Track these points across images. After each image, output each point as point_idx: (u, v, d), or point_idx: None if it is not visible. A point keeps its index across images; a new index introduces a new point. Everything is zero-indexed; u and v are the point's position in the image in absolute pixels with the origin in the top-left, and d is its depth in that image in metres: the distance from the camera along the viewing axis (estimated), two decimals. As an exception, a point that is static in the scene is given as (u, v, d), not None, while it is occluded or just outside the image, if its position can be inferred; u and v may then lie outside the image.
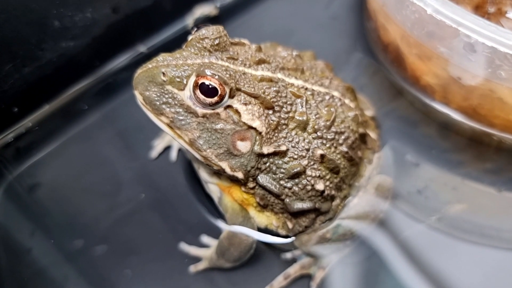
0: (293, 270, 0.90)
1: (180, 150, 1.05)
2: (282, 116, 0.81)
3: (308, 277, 0.90)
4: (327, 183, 0.84)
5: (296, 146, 0.82)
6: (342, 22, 1.32)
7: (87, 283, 0.90)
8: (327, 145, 0.84)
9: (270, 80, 0.81)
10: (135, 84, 0.79)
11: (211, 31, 0.81)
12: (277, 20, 1.33)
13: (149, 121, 0.81)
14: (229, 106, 0.78)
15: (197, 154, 0.80)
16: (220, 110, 0.77)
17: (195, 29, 0.84)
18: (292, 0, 1.38)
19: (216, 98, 0.76)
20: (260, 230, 0.89)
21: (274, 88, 0.80)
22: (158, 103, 0.78)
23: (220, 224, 0.95)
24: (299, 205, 0.84)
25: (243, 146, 0.79)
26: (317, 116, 0.84)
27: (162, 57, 0.79)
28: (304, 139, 0.82)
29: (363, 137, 0.92)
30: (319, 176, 0.83)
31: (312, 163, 0.82)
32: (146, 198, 1.00)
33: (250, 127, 0.78)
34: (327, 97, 0.87)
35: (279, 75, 0.84)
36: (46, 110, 1.11)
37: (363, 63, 1.22)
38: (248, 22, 1.31)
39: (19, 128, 1.08)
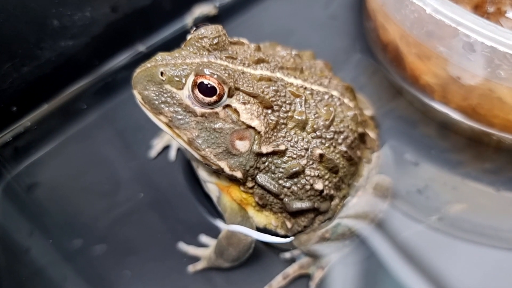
0: (292, 270, 0.90)
1: (179, 150, 1.05)
2: (281, 115, 0.81)
3: (307, 277, 0.90)
4: (326, 182, 0.84)
5: (295, 145, 0.81)
6: (341, 22, 1.32)
7: (86, 282, 0.90)
8: (326, 145, 0.83)
9: (269, 79, 0.81)
10: (134, 84, 0.79)
11: (210, 31, 0.81)
12: (276, 20, 1.33)
13: (148, 120, 0.81)
14: (228, 106, 0.77)
15: (196, 153, 0.80)
16: (218, 109, 0.77)
17: (194, 28, 0.84)
18: (291, -1, 1.39)
19: (214, 97, 0.75)
20: (259, 229, 0.89)
21: (273, 88, 0.80)
22: (157, 102, 0.78)
23: (219, 223, 0.95)
24: (298, 205, 0.84)
25: (242, 146, 0.79)
26: (316, 115, 0.83)
27: (161, 56, 0.79)
28: (303, 139, 0.82)
29: (362, 137, 0.92)
30: (318, 175, 0.83)
31: (311, 162, 0.82)
32: (145, 198, 1.00)
33: (249, 127, 0.78)
34: (326, 97, 0.87)
35: (278, 75, 0.83)
36: (45, 109, 1.11)
37: (362, 62, 1.22)
38: (247, 22, 1.31)
39: (17, 128, 1.08)
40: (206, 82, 0.74)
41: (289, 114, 0.82)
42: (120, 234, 0.95)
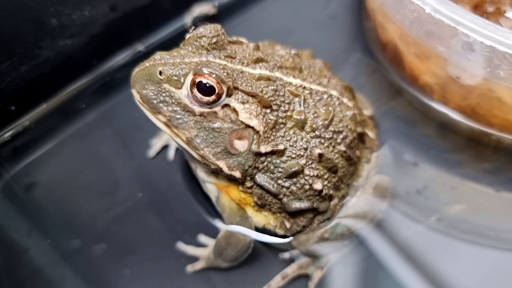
0: (291, 270, 0.90)
1: (178, 149, 1.05)
2: (280, 115, 0.81)
3: (306, 277, 0.90)
4: (325, 182, 0.84)
5: (294, 145, 0.81)
6: (340, 21, 1.32)
7: (84, 282, 0.90)
8: (325, 144, 0.83)
9: (268, 78, 0.81)
10: (133, 83, 0.79)
11: (209, 30, 0.81)
12: (276, 19, 1.32)
13: (147, 120, 0.81)
14: (226, 105, 0.77)
15: (195, 153, 0.80)
16: (217, 108, 0.77)
17: (193, 27, 0.83)
18: (291, -1, 1.39)
19: (213, 97, 0.75)
20: (257, 229, 0.89)
21: (272, 87, 0.80)
22: (155, 101, 0.78)
23: (218, 223, 0.95)
24: (297, 205, 0.83)
25: (241, 145, 0.79)
26: (315, 115, 0.83)
27: (159, 56, 0.79)
28: (302, 138, 0.82)
29: (361, 137, 0.92)
30: (317, 175, 0.82)
31: (310, 162, 0.82)
32: (144, 197, 0.99)
33: (248, 126, 0.78)
34: (325, 96, 0.87)
35: (277, 74, 0.83)
36: (43, 108, 1.11)
37: (361, 62, 1.22)
38: (247, 21, 1.31)
39: (16, 127, 1.08)
40: (204, 81, 0.74)
41: (288, 113, 0.81)
42: (119, 234, 0.95)
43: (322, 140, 0.83)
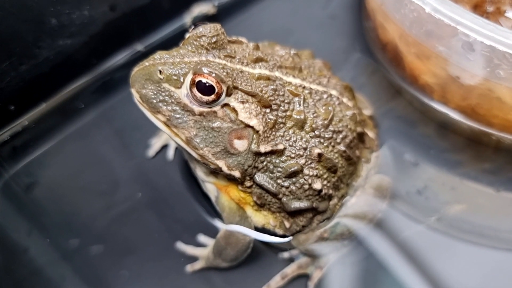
0: (291, 270, 0.90)
1: (177, 149, 1.05)
2: (279, 114, 0.81)
3: (305, 277, 0.90)
4: (325, 182, 0.84)
5: (294, 145, 0.81)
6: (340, 21, 1.32)
7: (84, 282, 0.90)
8: (325, 144, 0.83)
9: (268, 78, 0.81)
10: (132, 82, 0.79)
11: (208, 29, 0.81)
12: (275, 19, 1.32)
13: (146, 119, 0.81)
14: (226, 105, 0.77)
15: (194, 152, 0.80)
16: (217, 108, 0.77)
17: (193, 27, 0.83)
18: (291, -1, 1.39)
19: (213, 96, 0.75)
20: (257, 229, 0.89)
21: (272, 87, 0.80)
22: (154, 101, 0.77)
23: (217, 223, 0.94)
24: (296, 204, 0.83)
25: (240, 145, 0.79)
26: (314, 114, 0.83)
27: (159, 55, 0.79)
28: (301, 138, 0.82)
29: (361, 136, 0.92)
30: (316, 175, 0.82)
31: (309, 162, 0.82)
32: (143, 197, 0.99)
33: (247, 126, 0.78)
34: (325, 96, 0.87)
35: (277, 74, 0.83)
36: (42, 108, 1.11)
37: (361, 62, 1.22)
38: (246, 21, 1.31)
39: (15, 127, 1.08)
40: (204, 80, 0.74)
41: (288, 113, 0.81)
42: (118, 234, 0.95)
43: (322, 140, 0.83)
